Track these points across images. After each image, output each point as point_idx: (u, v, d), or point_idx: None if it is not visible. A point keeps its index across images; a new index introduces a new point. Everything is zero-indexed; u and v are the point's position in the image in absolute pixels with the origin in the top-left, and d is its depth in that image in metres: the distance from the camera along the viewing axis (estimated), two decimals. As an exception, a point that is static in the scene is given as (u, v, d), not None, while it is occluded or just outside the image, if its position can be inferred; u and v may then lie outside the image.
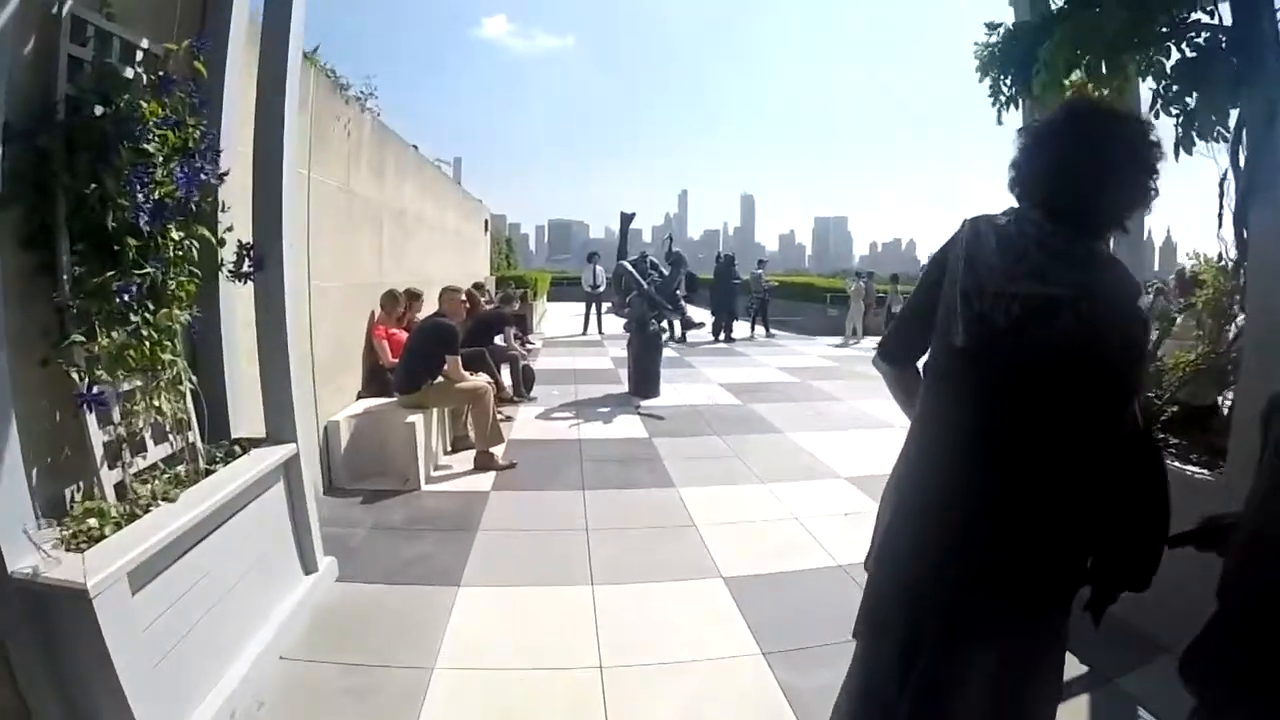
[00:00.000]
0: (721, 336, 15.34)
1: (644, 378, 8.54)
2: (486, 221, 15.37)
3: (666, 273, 8.60)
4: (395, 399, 5.35)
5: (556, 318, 19.52)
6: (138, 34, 2.42)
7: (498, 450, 5.57)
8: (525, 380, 8.27)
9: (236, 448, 2.88)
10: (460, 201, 12.11)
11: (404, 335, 5.99)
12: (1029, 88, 3.05)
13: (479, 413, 5.45)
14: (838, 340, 15.87)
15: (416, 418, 4.98)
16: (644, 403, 8.09)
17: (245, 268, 2.83)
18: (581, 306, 16.23)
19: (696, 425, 7.04)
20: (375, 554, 3.83)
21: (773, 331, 16.55)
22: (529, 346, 12.61)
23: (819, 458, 5.88)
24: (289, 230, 3.13)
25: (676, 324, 16.19)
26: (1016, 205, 1.48)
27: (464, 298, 5.86)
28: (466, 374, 5.65)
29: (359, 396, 5.71)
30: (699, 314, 19.47)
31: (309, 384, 4.56)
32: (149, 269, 2.28)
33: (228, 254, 2.84)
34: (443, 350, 5.30)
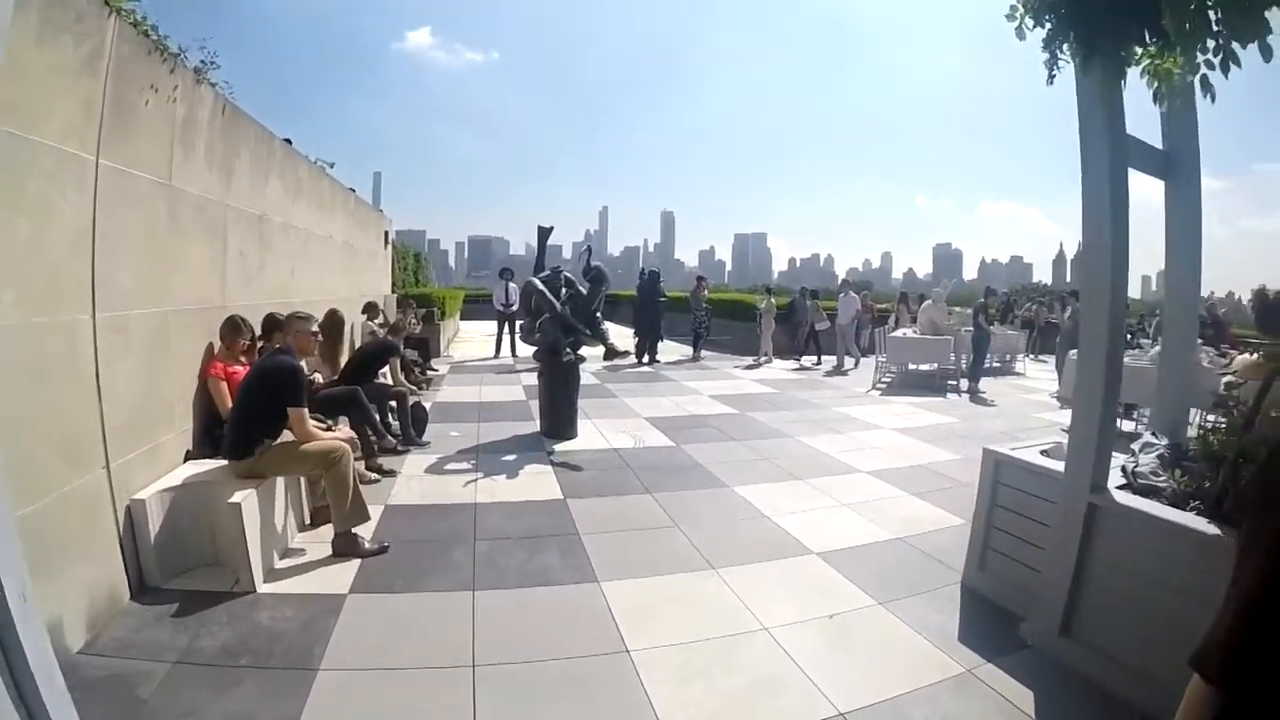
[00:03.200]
0: (645, 359, 14.41)
1: (558, 416, 7.46)
2: (387, 234, 14.00)
3: (585, 291, 7.51)
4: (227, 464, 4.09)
5: (472, 338, 18.24)
6: None
7: (363, 530, 4.37)
8: (416, 422, 7.07)
9: None
10: (353, 209, 10.73)
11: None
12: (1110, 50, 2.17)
13: (335, 483, 4.20)
14: (755, 360, 15.19)
15: (247, 494, 3.74)
16: (559, 446, 7.01)
17: None
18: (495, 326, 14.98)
19: (622, 479, 5.99)
20: (171, 714, 2.62)
21: (701, 354, 15.68)
22: (431, 374, 11.39)
23: (777, 522, 4.93)
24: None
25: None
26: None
27: (315, 329, 4.61)
28: (318, 429, 4.44)
29: (189, 458, 4.43)
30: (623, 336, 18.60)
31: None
32: None
33: None
34: (282, 400, 4.10)
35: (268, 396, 4.10)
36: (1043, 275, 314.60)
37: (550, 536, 4.61)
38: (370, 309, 10.12)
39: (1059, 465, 3.51)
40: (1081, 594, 3.20)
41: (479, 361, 13.91)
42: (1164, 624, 2.75)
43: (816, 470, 6.31)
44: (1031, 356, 16.01)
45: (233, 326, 4.92)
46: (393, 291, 14.27)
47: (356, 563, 4.07)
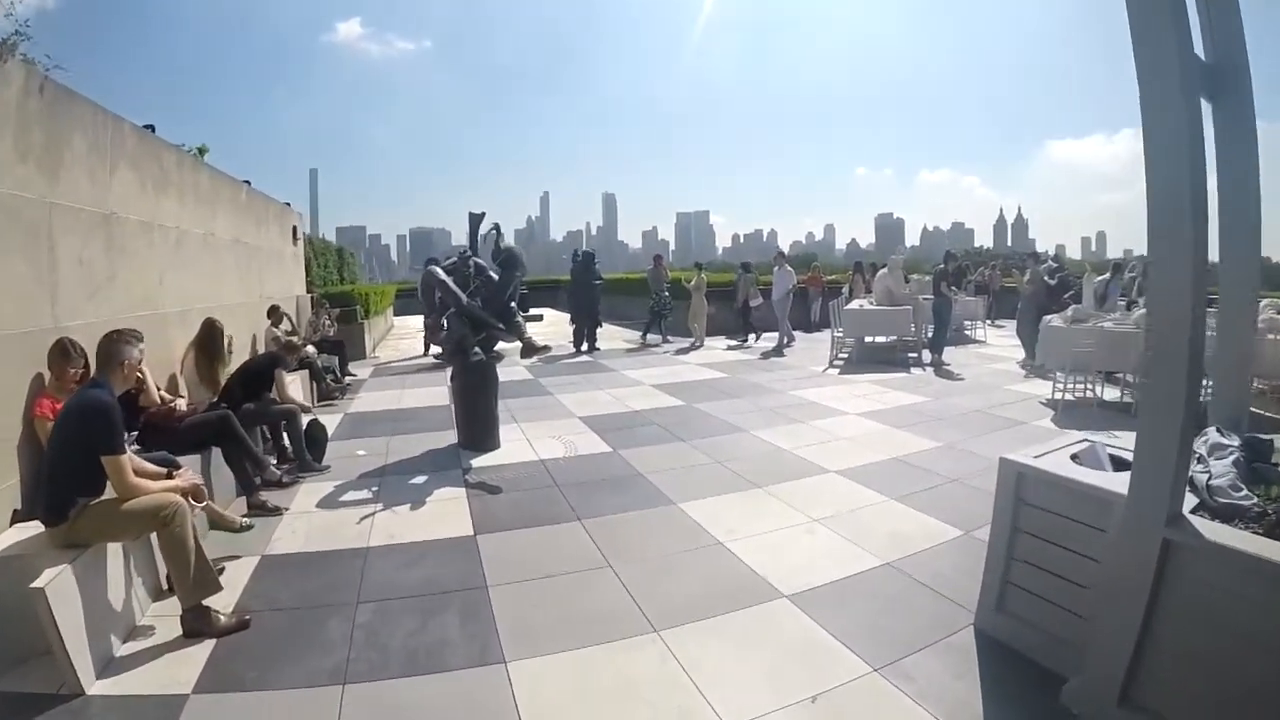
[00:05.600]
0: (584, 347, 13.44)
1: (475, 426, 6.45)
2: (296, 228, 12.68)
3: (497, 279, 6.46)
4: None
5: (411, 334, 16.89)
6: None
7: (230, 590, 3.48)
8: (312, 444, 6.00)
9: None
10: (244, 203, 9.37)
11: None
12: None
13: (171, 548, 3.27)
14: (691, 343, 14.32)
15: (58, 572, 2.82)
16: (477, 461, 6.03)
17: None
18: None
19: (548, 502, 5.01)
20: None
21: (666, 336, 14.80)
22: (349, 379, 10.27)
23: (735, 551, 4.02)
24: None
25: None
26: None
27: (137, 350, 3.54)
28: (145, 479, 3.39)
29: (16, 519, 3.52)
30: (548, 329, 17.56)
31: None
32: None
33: None
34: (96, 446, 3.13)
35: (79, 444, 3.12)
36: (984, 240, 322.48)
37: (451, 592, 3.64)
38: (273, 313, 9.03)
39: (1102, 479, 2.68)
40: (1148, 652, 2.39)
41: (406, 361, 12.77)
42: (1262, 695, 2.09)
43: (778, 473, 5.43)
44: (989, 322, 15.50)
45: (61, 352, 3.92)
46: (308, 292, 13.05)
47: (211, 644, 3.16)
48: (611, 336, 15.58)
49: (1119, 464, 2.88)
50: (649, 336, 14.62)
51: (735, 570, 3.80)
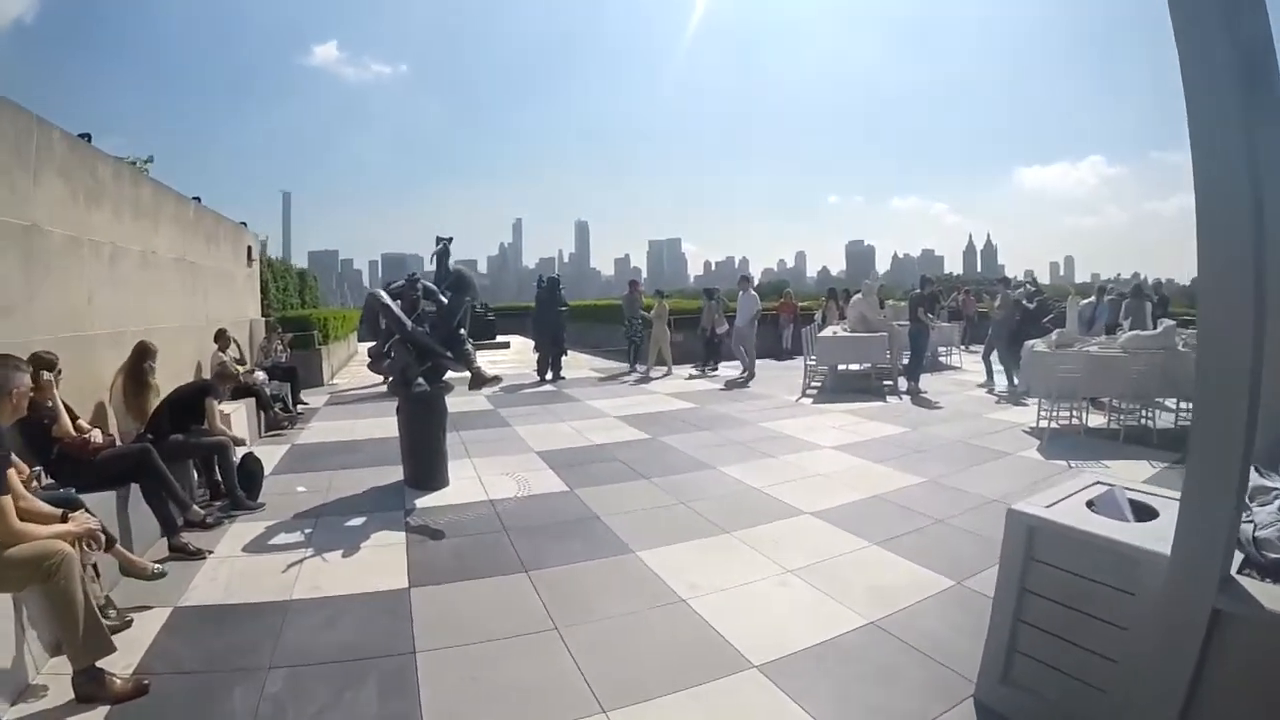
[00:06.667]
0: (548, 376, 12.96)
1: (421, 462, 5.93)
2: (251, 248, 12.13)
3: (447, 303, 6.00)
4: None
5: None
6: None
7: (120, 660, 3.01)
8: (246, 479, 5.52)
9: None
10: (192, 220, 8.81)
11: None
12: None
13: (56, 603, 2.87)
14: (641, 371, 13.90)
15: None
16: (421, 501, 5.53)
17: None
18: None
19: (494, 549, 4.51)
20: None
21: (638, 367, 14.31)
22: (301, 408, 9.74)
23: (699, 611, 3.55)
24: None
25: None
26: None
27: (22, 379, 3.09)
28: (32, 523, 3.00)
29: None
30: (515, 357, 17.06)
31: None
32: None
33: None
34: None
35: None
36: (954, 266, 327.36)
37: (373, 659, 3.14)
38: (220, 338, 8.50)
39: (1128, 533, 2.28)
40: (1192, 736, 1.98)
41: (365, 389, 12.17)
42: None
43: (748, 516, 4.98)
44: (964, 348, 15.28)
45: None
46: (264, 315, 12.50)
47: (104, 711, 2.76)
48: (579, 365, 15.11)
49: (1140, 511, 2.48)
50: (637, 366, 14.19)
51: (698, 634, 3.32)
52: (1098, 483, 2.70)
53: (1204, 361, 1.86)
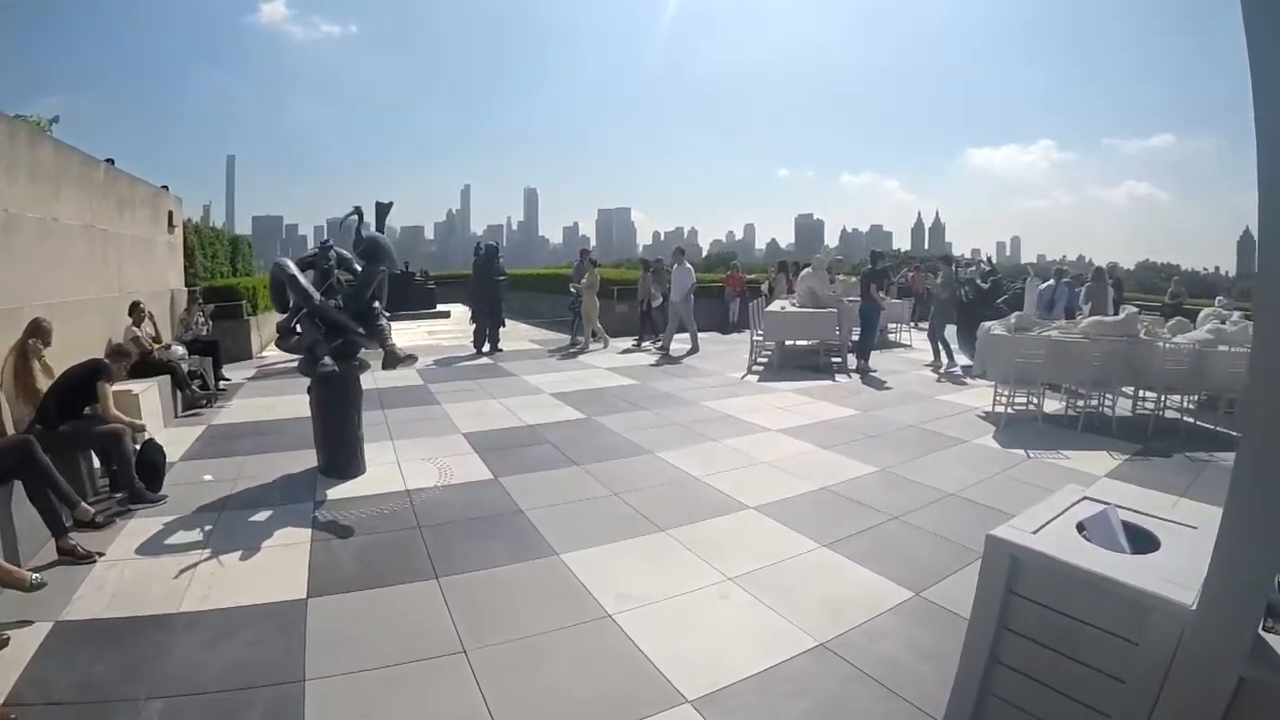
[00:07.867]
0: (485, 348, 12.39)
1: (333, 448, 5.41)
2: (172, 214, 11.21)
3: (360, 273, 5.43)
4: None
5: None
6: None
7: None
8: (146, 470, 4.95)
9: None
10: (101, 183, 7.91)
11: None
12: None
13: None
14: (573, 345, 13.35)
15: None
16: (333, 492, 5.03)
17: None
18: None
19: (405, 550, 4.04)
20: None
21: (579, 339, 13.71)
22: (223, 384, 9.03)
23: (624, 627, 3.15)
24: None
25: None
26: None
27: None
28: None
29: None
30: (453, 328, 16.38)
31: None
32: None
33: None
34: None
35: None
36: (902, 242, 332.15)
37: (258, 689, 2.71)
38: (135, 311, 7.77)
39: (1127, 569, 1.94)
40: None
41: (292, 363, 11.42)
42: None
43: (686, 510, 4.60)
44: (913, 325, 15.15)
45: None
46: (187, 285, 11.61)
47: None
48: (518, 336, 14.55)
49: (1137, 537, 2.15)
50: (578, 338, 13.58)
51: (624, 658, 2.92)
52: (1086, 499, 2.37)
53: (1257, 370, 1.49)
